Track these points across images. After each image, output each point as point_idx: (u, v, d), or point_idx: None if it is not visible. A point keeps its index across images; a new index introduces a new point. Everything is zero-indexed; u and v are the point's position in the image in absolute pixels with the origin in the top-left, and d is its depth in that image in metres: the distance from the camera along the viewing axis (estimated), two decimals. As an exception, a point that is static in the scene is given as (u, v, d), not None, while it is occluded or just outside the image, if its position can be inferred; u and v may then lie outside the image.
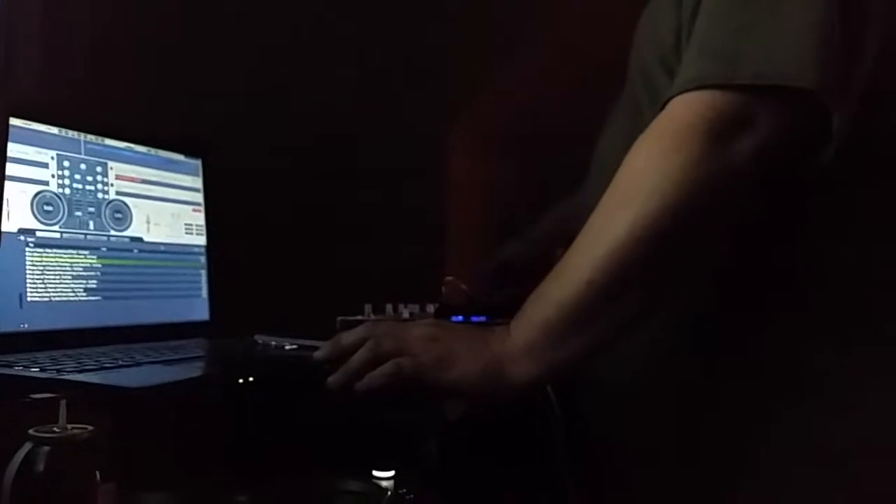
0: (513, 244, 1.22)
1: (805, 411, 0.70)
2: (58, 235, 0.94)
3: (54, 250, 0.93)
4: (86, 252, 0.97)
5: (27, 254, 0.90)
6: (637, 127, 0.70)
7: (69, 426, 0.54)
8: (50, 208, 0.93)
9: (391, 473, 0.72)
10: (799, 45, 0.64)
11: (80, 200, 0.97)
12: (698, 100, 0.66)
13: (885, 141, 0.72)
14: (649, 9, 0.82)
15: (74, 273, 0.95)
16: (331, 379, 0.73)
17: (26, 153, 0.92)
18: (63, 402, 0.54)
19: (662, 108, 0.68)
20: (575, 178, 0.91)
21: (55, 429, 0.54)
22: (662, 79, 0.71)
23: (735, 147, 0.64)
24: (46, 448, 0.52)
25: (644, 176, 0.67)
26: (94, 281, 0.97)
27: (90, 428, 0.54)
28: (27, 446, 0.53)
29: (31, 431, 0.53)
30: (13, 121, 0.91)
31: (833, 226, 0.72)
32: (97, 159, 1.00)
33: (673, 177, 0.65)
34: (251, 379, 0.74)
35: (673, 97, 0.67)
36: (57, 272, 0.93)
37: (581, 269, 0.67)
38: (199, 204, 1.15)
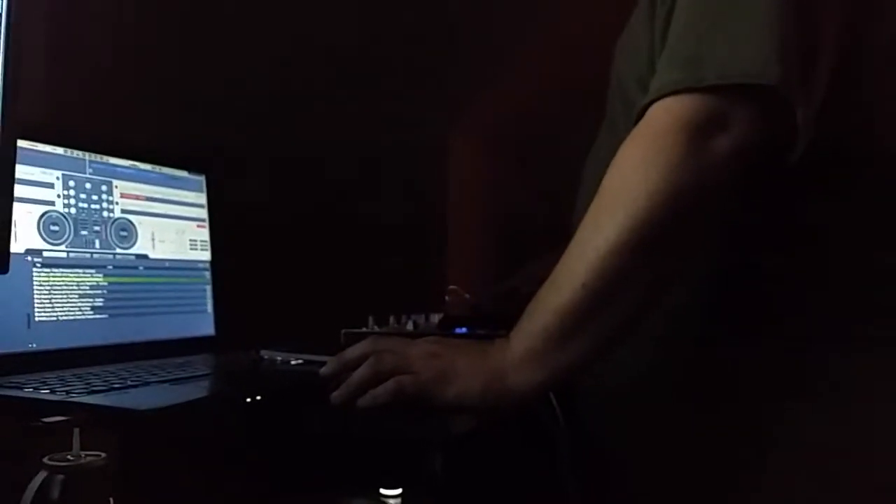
0: (516, 276, 1.22)
1: (806, 413, 0.71)
2: (64, 255, 0.95)
3: (61, 270, 0.94)
4: (92, 271, 0.98)
5: (34, 274, 0.91)
6: (617, 144, 0.72)
7: (83, 453, 0.55)
8: (56, 228, 0.94)
9: (398, 491, 0.73)
10: (760, 45, 0.66)
11: (85, 219, 0.98)
12: (673, 104, 0.68)
13: (871, 147, 0.74)
14: (626, 30, 0.84)
15: (81, 292, 0.96)
16: (333, 395, 0.74)
17: (32, 174, 0.93)
18: (77, 430, 0.55)
19: (639, 117, 0.70)
20: (577, 184, 0.91)
21: (69, 456, 0.54)
22: (639, 96, 0.72)
23: (713, 147, 0.66)
24: (61, 477, 0.53)
25: (628, 180, 0.69)
26: (101, 299, 0.98)
27: (103, 455, 0.55)
28: (42, 475, 0.53)
29: (45, 460, 0.54)
30: (18, 142, 0.91)
31: (830, 228, 0.73)
32: (102, 178, 1.01)
33: (656, 179, 0.66)
34: (259, 398, 0.75)
35: (648, 105, 0.69)
36: (64, 291, 0.94)
37: (575, 274, 0.68)
38: (203, 220, 1.16)
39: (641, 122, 0.70)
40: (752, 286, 0.75)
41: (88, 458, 0.54)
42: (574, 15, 1.48)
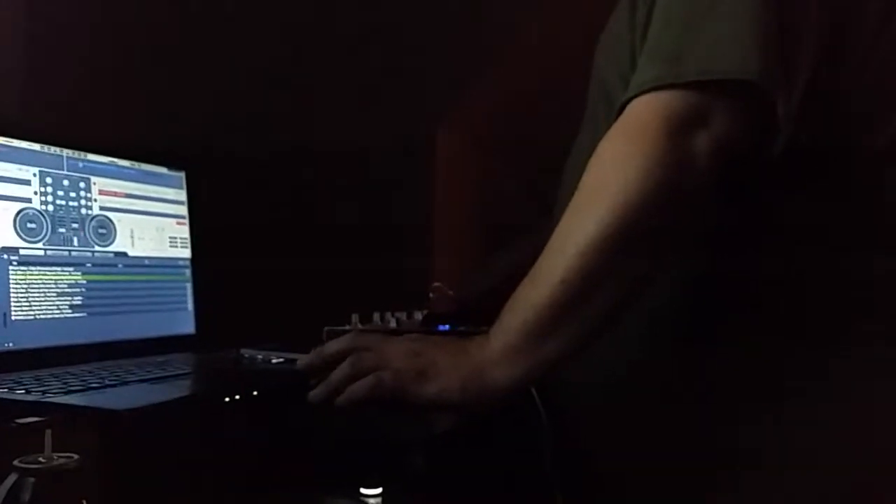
0: (497, 260, 1.22)
1: (786, 413, 0.71)
2: (42, 253, 0.93)
3: (38, 268, 0.93)
4: (70, 268, 0.97)
5: (11, 272, 0.89)
6: (597, 142, 0.71)
7: (55, 455, 0.54)
8: (33, 225, 0.93)
9: (378, 490, 0.72)
10: (740, 41, 0.66)
11: (63, 217, 0.97)
12: (653, 100, 0.68)
13: (852, 146, 0.74)
14: (607, 28, 0.84)
15: (59, 290, 0.95)
16: (312, 393, 0.74)
17: (8, 171, 0.91)
18: (49, 432, 0.54)
19: (619, 113, 0.70)
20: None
21: (41, 458, 0.53)
22: (621, 94, 0.72)
23: (693, 143, 0.66)
24: (31, 479, 0.52)
25: (608, 176, 0.68)
26: (80, 297, 0.97)
27: (76, 457, 0.54)
28: (12, 477, 0.52)
29: (16, 462, 0.53)
30: (-6, 138, 0.90)
31: (811, 229, 0.73)
32: (80, 175, 1.00)
33: (636, 175, 0.66)
34: (238, 397, 0.74)
35: (628, 101, 0.69)
36: (41, 290, 0.92)
37: (554, 270, 0.68)
38: (183, 217, 1.15)
39: (622, 118, 0.70)
40: (735, 287, 0.75)
41: (60, 461, 0.53)
42: (561, 13, 1.47)
